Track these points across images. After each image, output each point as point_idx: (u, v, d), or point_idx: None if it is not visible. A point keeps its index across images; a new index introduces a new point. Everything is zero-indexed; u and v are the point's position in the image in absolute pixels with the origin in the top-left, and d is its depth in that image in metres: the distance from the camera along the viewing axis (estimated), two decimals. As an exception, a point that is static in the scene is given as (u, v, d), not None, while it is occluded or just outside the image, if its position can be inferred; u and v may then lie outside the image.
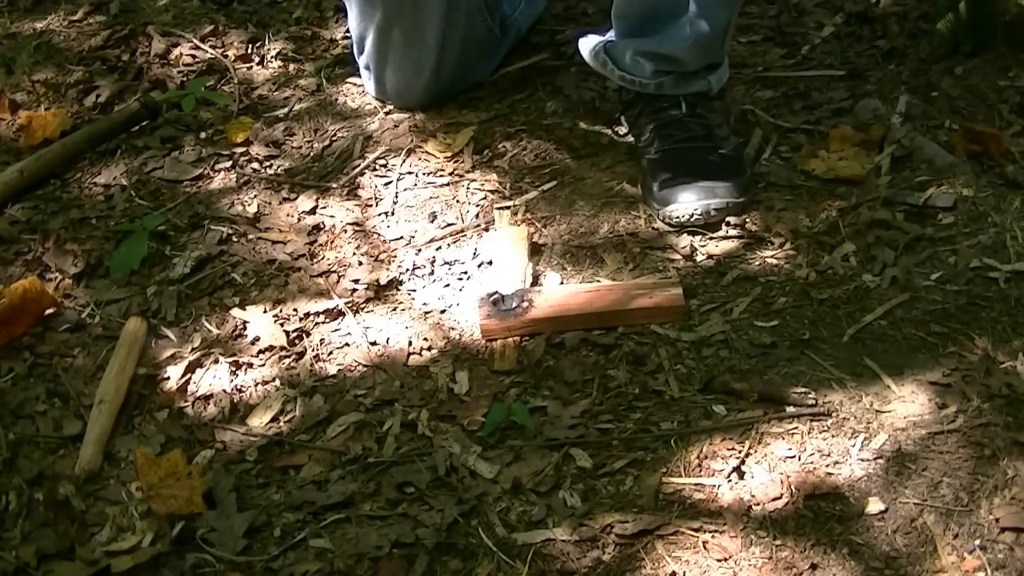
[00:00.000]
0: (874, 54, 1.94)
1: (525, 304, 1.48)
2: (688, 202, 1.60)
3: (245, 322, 1.56)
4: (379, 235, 1.69)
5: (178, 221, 1.74)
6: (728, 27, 1.68)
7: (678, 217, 1.61)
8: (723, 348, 1.45)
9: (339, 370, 1.49)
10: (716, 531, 1.24)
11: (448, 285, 1.59)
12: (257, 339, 1.54)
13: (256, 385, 1.48)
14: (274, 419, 1.44)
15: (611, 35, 1.75)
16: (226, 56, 2.12)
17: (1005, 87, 1.83)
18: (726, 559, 1.21)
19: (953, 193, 1.62)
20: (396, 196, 1.75)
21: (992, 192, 1.63)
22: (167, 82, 2.07)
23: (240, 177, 1.83)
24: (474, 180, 1.77)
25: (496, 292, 1.50)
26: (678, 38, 1.65)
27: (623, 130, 1.79)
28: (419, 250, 1.65)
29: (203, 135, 1.93)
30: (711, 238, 1.61)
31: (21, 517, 1.34)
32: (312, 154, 1.88)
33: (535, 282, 1.56)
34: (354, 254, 1.66)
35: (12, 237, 1.76)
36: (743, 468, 1.30)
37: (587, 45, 1.79)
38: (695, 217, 1.60)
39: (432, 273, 1.61)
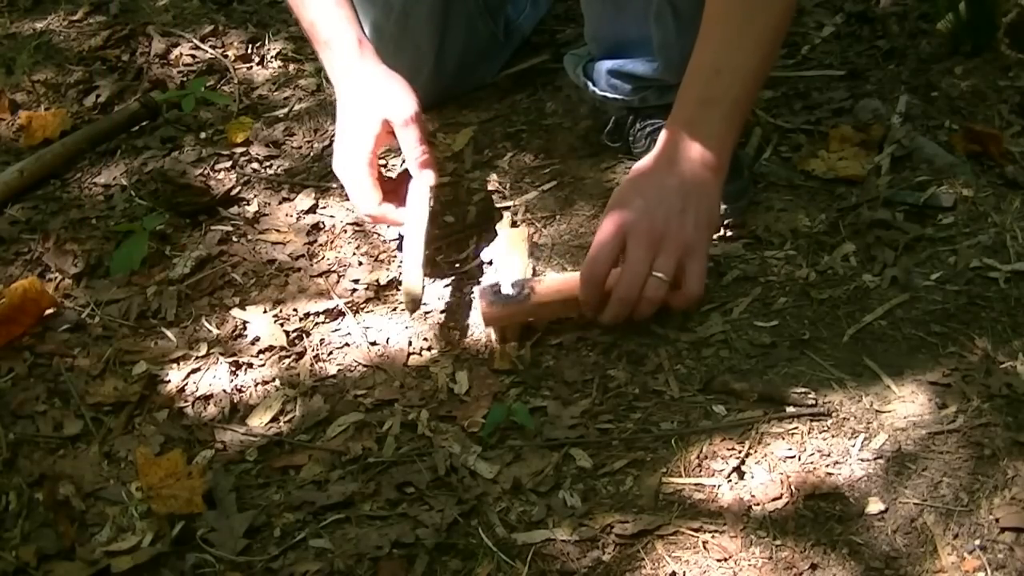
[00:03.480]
0: (874, 54, 1.94)
1: (527, 291, 1.48)
2: None
3: (245, 322, 1.56)
4: (379, 235, 1.69)
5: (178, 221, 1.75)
6: None
7: None
8: (723, 348, 1.45)
9: (339, 370, 1.49)
10: (716, 531, 1.24)
11: (448, 285, 1.59)
12: (257, 339, 1.54)
13: (256, 385, 1.48)
14: (274, 419, 1.44)
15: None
16: (226, 56, 2.13)
17: (1005, 87, 1.83)
18: (726, 559, 1.21)
19: (953, 193, 1.62)
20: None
21: (992, 192, 1.63)
22: (167, 82, 2.08)
23: (240, 177, 1.83)
24: (474, 180, 1.77)
25: (496, 283, 1.49)
26: (651, 64, 1.64)
27: (614, 143, 1.78)
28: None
29: (203, 135, 1.94)
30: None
31: (21, 517, 1.34)
32: (312, 154, 1.88)
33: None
34: (354, 254, 1.66)
35: (12, 237, 1.77)
36: (743, 468, 1.30)
37: (571, 63, 1.80)
38: None
39: (432, 273, 1.61)
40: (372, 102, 1.56)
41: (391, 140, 1.58)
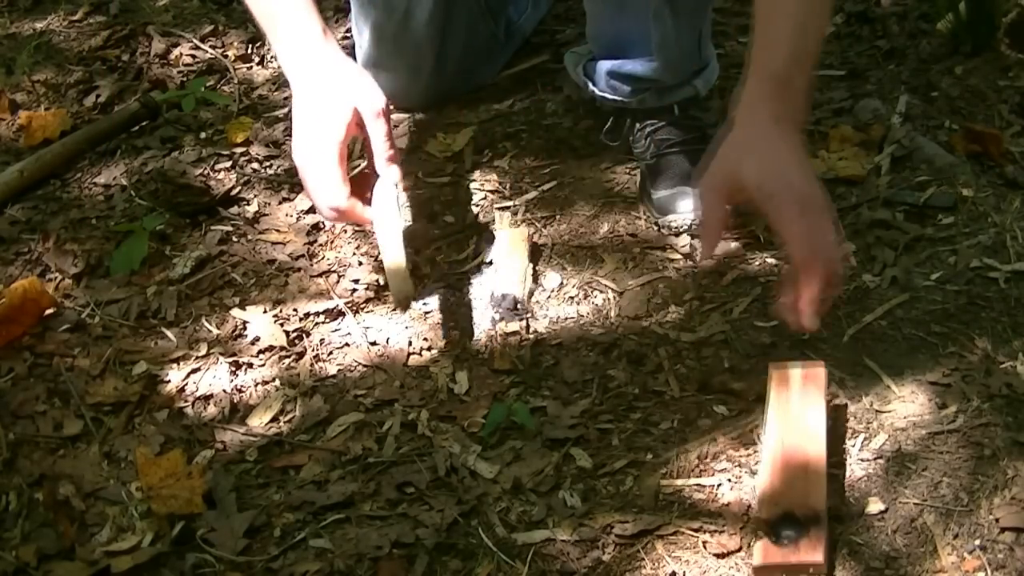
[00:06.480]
0: (874, 54, 1.94)
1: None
2: (687, 211, 1.60)
3: (245, 322, 1.56)
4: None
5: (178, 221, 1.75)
6: (701, 37, 1.65)
7: (677, 226, 1.61)
8: (723, 348, 1.45)
9: (339, 370, 1.49)
10: (716, 531, 1.24)
11: (448, 285, 1.59)
12: (257, 339, 1.54)
13: (256, 385, 1.48)
14: (274, 419, 1.44)
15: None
16: (226, 56, 2.12)
17: (1005, 87, 1.83)
18: (726, 558, 1.21)
19: (953, 193, 1.62)
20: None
21: (992, 192, 1.63)
22: (167, 82, 2.07)
23: (240, 177, 1.83)
24: (474, 180, 1.77)
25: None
26: (650, 64, 1.64)
27: (613, 142, 1.77)
28: (419, 250, 1.65)
29: (203, 135, 1.93)
30: (711, 238, 1.61)
31: (21, 517, 1.34)
32: (312, 154, 1.87)
33: (535, 282, 1.56)
34: (354, 254, 1.66)
35: (12, 237, 1.77)
36: (743, 468, 1.30)
37: (571, 61, 1.79)
38: (694, 227, 1.60)
39: (432, 273, 1.61)
40: (342, 90, 1.48)
41: (358, 132, 1.50)
